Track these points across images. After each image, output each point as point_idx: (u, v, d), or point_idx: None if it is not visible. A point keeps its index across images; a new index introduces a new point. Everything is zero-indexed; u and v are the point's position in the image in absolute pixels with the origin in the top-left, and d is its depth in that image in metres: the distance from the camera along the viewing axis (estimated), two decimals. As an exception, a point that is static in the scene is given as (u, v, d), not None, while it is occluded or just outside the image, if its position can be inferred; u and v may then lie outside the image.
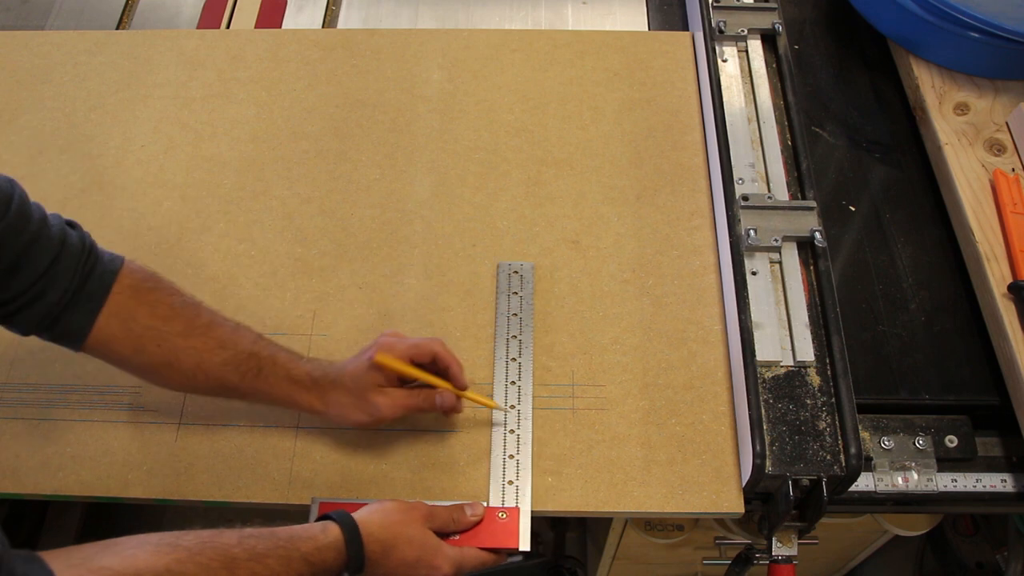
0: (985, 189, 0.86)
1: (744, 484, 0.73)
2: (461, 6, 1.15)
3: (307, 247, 0.89)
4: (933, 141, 0.92)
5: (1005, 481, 0.76)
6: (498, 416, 0.78)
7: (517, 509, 0.73)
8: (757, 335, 0.76)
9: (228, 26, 1.12)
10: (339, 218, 0.91)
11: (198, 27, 1.12)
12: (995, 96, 0.94)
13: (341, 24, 1.13)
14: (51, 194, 0.93)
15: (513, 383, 0.80)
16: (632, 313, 0.84)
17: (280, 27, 1.12)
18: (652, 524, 0.95)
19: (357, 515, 0.66)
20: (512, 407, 0.79)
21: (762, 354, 0.75)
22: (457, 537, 0.71)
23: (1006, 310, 0.78)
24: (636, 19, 1.13)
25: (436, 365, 0.74)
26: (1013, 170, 0.87)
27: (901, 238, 0.89)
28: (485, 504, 0.73)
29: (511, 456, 0.77)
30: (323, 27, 1.12)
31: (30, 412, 0.81)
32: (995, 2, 0.90)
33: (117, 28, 1.13)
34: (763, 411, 0.73)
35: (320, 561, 0.62)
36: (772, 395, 0.74)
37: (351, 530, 0.64)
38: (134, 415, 0.80)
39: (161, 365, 0.70)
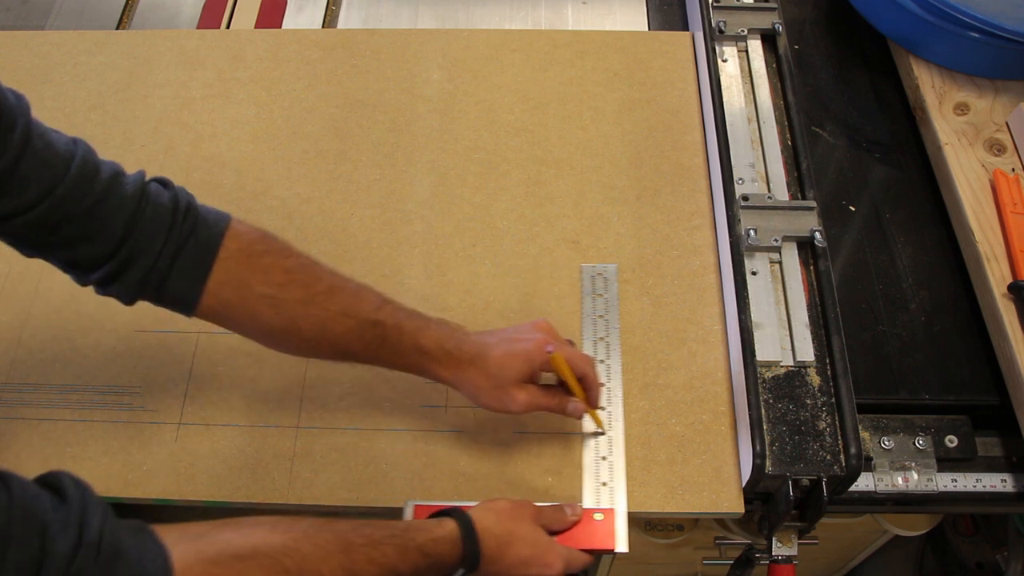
0: (985, 189, 0.86)
1: (744, 484, 0.73)
2: (461, 6, 1.15)
3: (307, 247, 0.88)
4: (933, 141, 0.92)
5: (1005, 481, 0.76)
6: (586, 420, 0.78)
7: (612, 510, 0.73)
8: (757, 335, 0.76)
9: (228, 26, 1.12)
10: (339, 218, 0.91)
11: (198, 27, 1.12)
12: (995, 96, 0.94)
13: (341, 24, 1.13)
14: (51, 194, 0.93)
15: (602, 384, 0.79)
16: (632, 313, 0.84)
17: (280, 27, 1.12)
18: (652, 524, 0.95)
19: (471, 512, 0.65)
20: (602, 408, 0.78)
21: (762, 354, 0.75)
22: (556, 537, 0.70)
23: (1006, 310, 0.78)
24: (636, 19, 1.13)
25: (580, 380, 0.73)
26: (1013, 170, 0.87)
27: (901, 238, 0.89)
28: (581, 506, 0.73)
29: (604, 458, 0.76)
30: (323, 27, 1.12)
31: (30, 412, 0.81)
32: (995, 2, 0.90)
33: (117, 28, 1.13)
34: (763, 411, 0.73)
35: (436, 553, 0.61)
36: (772, 395, 0.74)
37: (467, 525, 0.63)
38: (134, 415, 0.80)
39: (280, 332, 0.67)
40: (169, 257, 0.62)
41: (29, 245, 0.62)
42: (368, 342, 0.68)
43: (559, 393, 0.73)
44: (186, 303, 0.64)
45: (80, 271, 0.63)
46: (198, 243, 0.63)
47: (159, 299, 0.65)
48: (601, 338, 0.83)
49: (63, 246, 0.61)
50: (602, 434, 0.77)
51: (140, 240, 0.62)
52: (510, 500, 0.68)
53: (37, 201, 0.59)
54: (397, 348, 0.69)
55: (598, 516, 0.72)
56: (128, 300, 0.65)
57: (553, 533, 0.70)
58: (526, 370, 0.70)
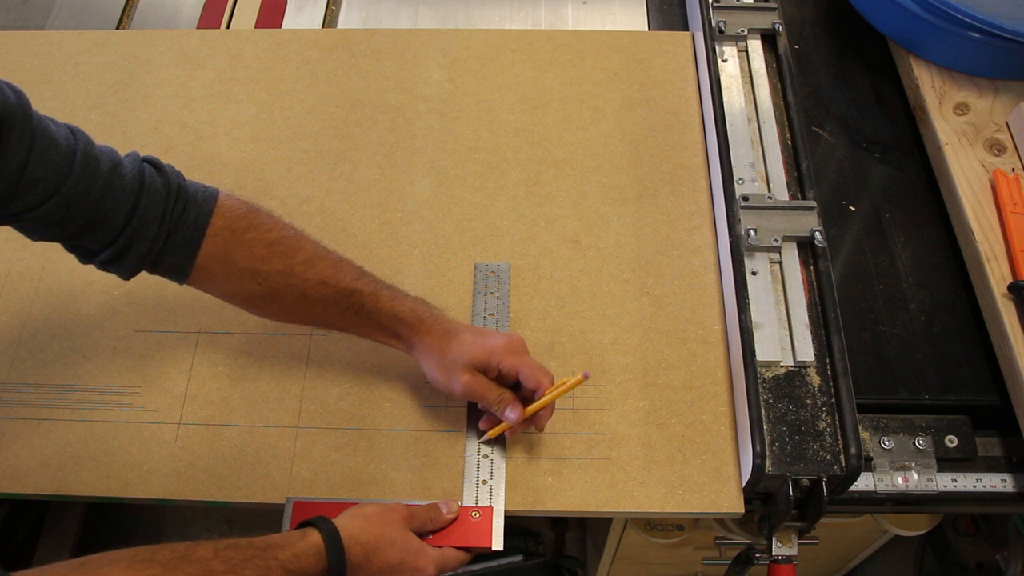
0: (985, 189, 0.86)
1: (744, 484, 0.74)
2: (461, 6, 1.15)
3: (307, 247, 0.89)
4: (933, 141, 0.92)
5: (1005, 481, 0.76)
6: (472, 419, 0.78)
7: (491, 508, 0.73)
8: (757, 335, 0.76)
9: (228, 26, 1.12)
10: (339, 218, 0.91)
11: (198, 27, 1.12)
12: (995, 96, 0.94)
13: (341, 24, 1.13)
14: (51, 194, 0.93)
15: None
16: (632, 313, 0.84)
17: (280, 27, 1.12)
18: (652, 524, 0.95)
19: (338, 520, 0.65)
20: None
21: (762, 354, 0.75)
22: (430, 537, 0.71)
23: (1006, 310, 0.78)
24: (636, 19, 1.13)
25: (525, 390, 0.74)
26: (1013, 170, 0.87)
27: (901, 238, 0.89)
28: (459, 503, 0.73)
29: (485, 456, 0.77)
30: (323, 27, 1.12)
31: (30, 412, 0.81)
32: (995, 2, 0.90)
33: (117, 28, 1.13)
34: (763, 411, 0.73)
35: (300, 568, 0.60)
36: (772, 395, 0.74)
37: (331, 535, 0.63)
38: (134, 415, 0.80)
39: (262, 300, 0.72)
40: (163, 239, 0.67)
41: (36, 235, 0.65)
42: (345, 309, 0.72)
43: (507, 394, 0.73)
44: (178, 275, 0.70)
45: (83, 253, 0.68)
46: (188, 223, 0.68)
47: (154, 271, 0.69)
48: None
49: (68, 236, 0.65)
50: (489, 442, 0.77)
51: (138, 227, 0.66)
52: (379, 504, 0.68)
53: (44, 199, 0.61)
54: (373, 315, 0.72)
55: (475, 515, 0.72)
56: (127, 277, 0.69)
57: (430, 533, 0.70)
58: (483, 359, 0.72)
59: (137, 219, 0.65)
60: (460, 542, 0.71)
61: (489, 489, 0.75)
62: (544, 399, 0.73)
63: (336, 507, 0.68)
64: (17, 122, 0.58)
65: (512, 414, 0.73)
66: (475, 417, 0.78)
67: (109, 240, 0.65)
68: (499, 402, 0.73)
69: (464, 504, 0.73)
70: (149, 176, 0.66)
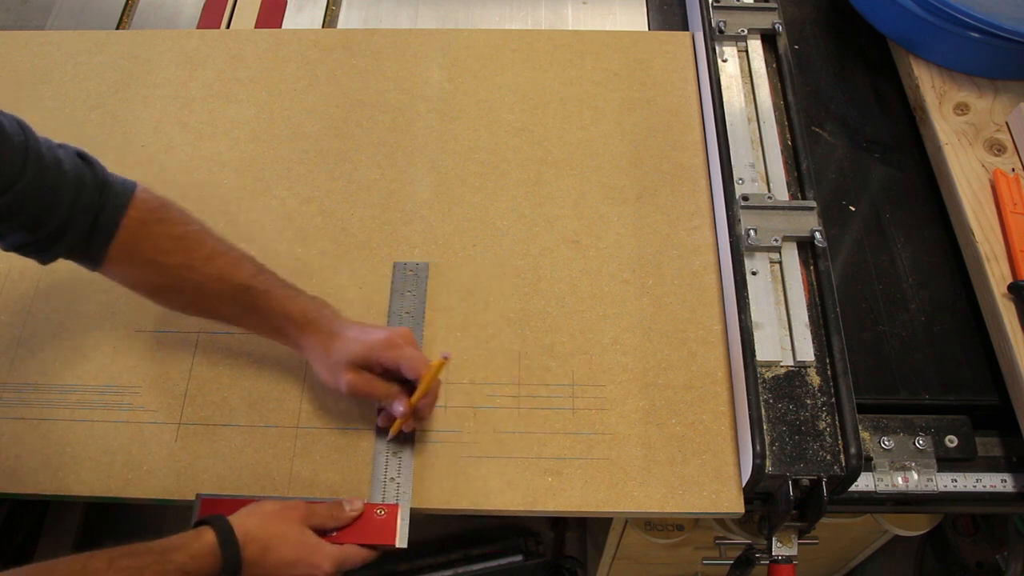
0: (985, 189, 0.86)
1: (744, 484, 0.74)
2: (461, 6, 1.15)
3: (307, 247, 0.89)
4: (933, 141, 0.92)
5: (1005, 481, 0.76)
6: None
7: (396, 506, 0.73)
8: (757, 335, 0.76)
9: (228, 26, 1.12)
10: (339, 218, 0.91)
11: (198, 27, 1.12)
12: (995, 96, 0.94)
13: (341, 24, 1.13)
14: (51, 194, 0.93)
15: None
16: (632, 313, 0.84)
17: (280, 27, 1.12)
18: (652, 524, 0.96)
19: (233, 517, 0.65)
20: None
21: (762, 354, 0.75)
22: (334, 535, 0.71)
23: (1006, 310, 0.78)
24: (636, 19, 1.13)
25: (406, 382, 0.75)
26: (1013, 170, 0.87)
27: (901, 238, 0.89)
28: (364, 501, 0.73)
29: (394, 453, 0.77)
30: (323, 27, 1.12)
31: (30, 412, 0.81)
32: (995, 2, 0.90)
33: (117, 28, 1.13)
34: (763, 411, 0.73)
35: (197, 569, 0.61)
36: (772, 395, 0.74)
37: (226, 533, 0.63)
38: (134, 415, 0.80)
39: (165, 291, 0.74)
40: (87, 233, 0.68)
41: None
42: (240, 305, 0.74)
43: (393, 388, 0.74)
44: (92, 262, 0.72)
45: (9, 243, 0.69)
46: (107, 213, 0.69)
47: (69, 257, 0.71)
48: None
49: (12, 229, 0.66)
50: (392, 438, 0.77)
51: (71, 223, 0.67)
52: (279, 501, 0.69)
53: None
54: (264, 313, 0.74)
55: (380, 512, 0.72)
56: (46, 263, 0.71)
57: (332, 531, 0.70)
58: (363, 356, 0.73)
59: (72, 215, 0.67)
60: (364, 539, 0.71)
61: (396, 486, 0.74)
62: (420, 388, 0.73)
63: (245, 503, 0.68)
64: None
65: (399, 407, 0.74)
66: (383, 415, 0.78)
67: (45, 233, 0.67)
68: (387, 397, 0.74)
69: (371, 502, 0.73)
70: (82, 171, 0.68)
